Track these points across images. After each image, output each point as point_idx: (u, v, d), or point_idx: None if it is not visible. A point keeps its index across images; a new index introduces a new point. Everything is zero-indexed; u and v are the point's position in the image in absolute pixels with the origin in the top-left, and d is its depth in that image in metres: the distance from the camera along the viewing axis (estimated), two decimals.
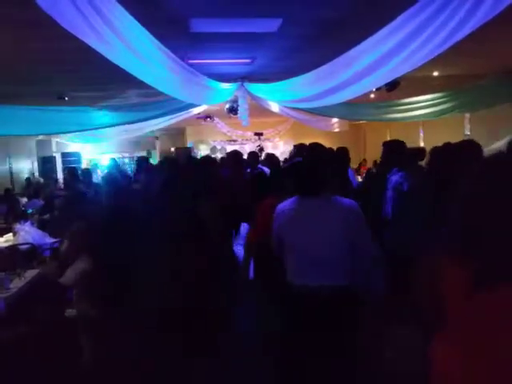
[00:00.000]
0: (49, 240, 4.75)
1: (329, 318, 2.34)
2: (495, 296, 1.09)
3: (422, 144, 10.64)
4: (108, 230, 2.41)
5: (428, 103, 7.38)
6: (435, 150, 3.14)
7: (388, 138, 10.41)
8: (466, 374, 1.18)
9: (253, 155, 6.19)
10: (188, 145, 13.86)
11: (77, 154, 12.89)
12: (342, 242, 2.40)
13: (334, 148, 5.37)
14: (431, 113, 7.51)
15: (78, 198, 3.56)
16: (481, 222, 1.12)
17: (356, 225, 2.41)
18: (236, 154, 5.29)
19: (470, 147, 3.02)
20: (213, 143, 13.89)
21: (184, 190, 2.98)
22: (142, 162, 6.48)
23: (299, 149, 5.30)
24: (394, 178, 3.59)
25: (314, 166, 2.55)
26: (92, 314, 2.34)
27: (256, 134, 12.69)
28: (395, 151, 3.92)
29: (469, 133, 8.96)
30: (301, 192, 2.52)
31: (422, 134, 10.99)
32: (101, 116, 6.61)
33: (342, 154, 4.93)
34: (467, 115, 8.93)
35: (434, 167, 3.01)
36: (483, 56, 5.91)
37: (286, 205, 2.57)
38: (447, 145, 3.18)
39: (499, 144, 7.25)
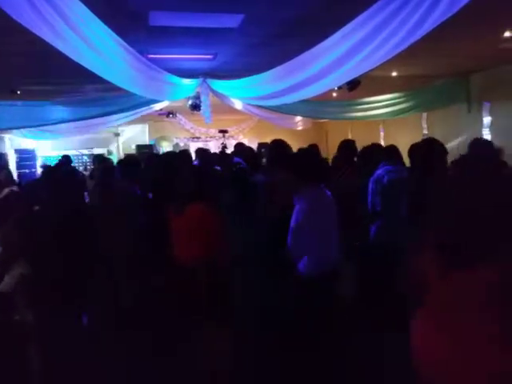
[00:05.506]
0: None
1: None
2: (462, 276, 1.27)
3: (382, 142, 10.92)
4: (48, 232, 2.28)
5: (387, 103, 7.59)
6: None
7: (350, 137, 10.62)
8: (439, 348, 1.32)
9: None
10: (150, 142, 13.56)
11: (32, 151, 12.32)
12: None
13: (297, 146, 5.37)
14: (390, 112, 7.73)
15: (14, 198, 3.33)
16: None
17: None
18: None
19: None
20: (176, 140, 13.66)
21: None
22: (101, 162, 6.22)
23: (238, 149, 5.28)
24: (378, 171, 3.70)
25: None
26: (35, 321, 2.19)
27: (220, 131, 12.57)
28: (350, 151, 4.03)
29: (427, 132, 9.28)
30: (320, 180, 2.82)
31: (382, 133, 11.27)
32: (56, 111, 6.34)
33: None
34: (424, 115, 9.24)
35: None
36: (438, 58, 6.12)
37: (318, 196, 2.77)
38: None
39: (454, 143, 7.59)
